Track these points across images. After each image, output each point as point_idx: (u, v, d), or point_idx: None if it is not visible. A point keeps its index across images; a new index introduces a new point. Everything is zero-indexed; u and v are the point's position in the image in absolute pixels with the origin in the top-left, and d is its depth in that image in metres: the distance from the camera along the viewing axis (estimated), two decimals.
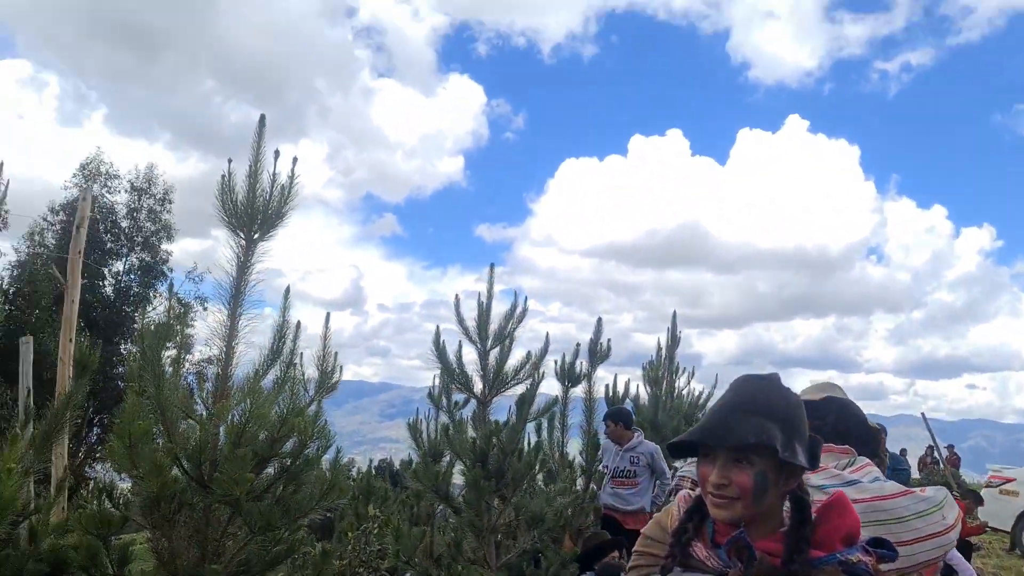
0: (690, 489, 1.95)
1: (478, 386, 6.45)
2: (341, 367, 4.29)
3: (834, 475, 2.56)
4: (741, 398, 1.78)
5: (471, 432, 6.41)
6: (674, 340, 11.57)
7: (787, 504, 1.80)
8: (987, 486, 14.45)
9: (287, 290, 4.46)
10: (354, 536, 5.67)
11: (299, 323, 4.43)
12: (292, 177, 4.00)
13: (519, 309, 6.44)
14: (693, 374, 11.95)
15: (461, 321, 6.39)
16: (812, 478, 2.56)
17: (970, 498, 10.80)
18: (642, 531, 1.97)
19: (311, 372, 4.22)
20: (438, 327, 6.44)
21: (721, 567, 1.76)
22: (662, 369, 11.38)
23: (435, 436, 7.44)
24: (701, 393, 12.23)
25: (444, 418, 7.01)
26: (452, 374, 6.45)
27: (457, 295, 6.40)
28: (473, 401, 6.57)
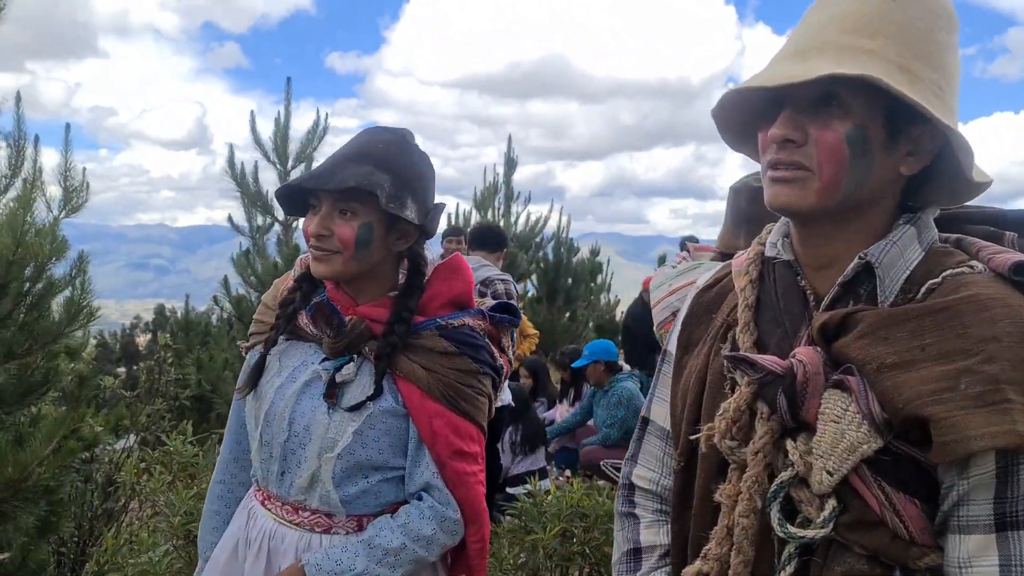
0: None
1: (280, 210, 6.12)
2: (88, 184, 3.88)
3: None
4: (356, 148, 1.61)
5: (277, 258, 6.15)
6: (510, 164, 11.43)
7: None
8: None
9: (18, 96, 3.93)
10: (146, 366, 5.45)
11: (37, 137, 3.95)
12: None
13: (320, 127, 6.05)
14: (530, 198, 11.78)
15: (257, 139, 5.95)
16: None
17: None
18: (262, 298, 1.83)
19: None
20: (231, 146, 5.97)
21: (321, 333, 1.64)
22: (497, 194, 11.25)
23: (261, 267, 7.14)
24: (540, 217, 12.11)
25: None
26: (252, 197, 6.07)
27: (252, 110, 5.92)
28: (278, 227, 6.26)
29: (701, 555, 1.16)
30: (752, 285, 1.21)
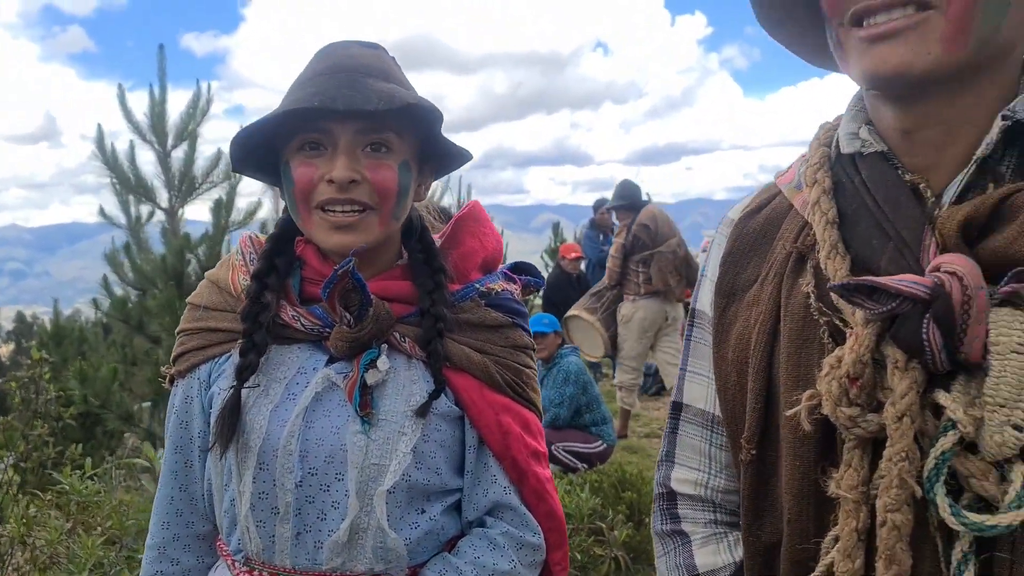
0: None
1: (162, 195, 5.45)
2: None
3: None
4: (352, 61, 1.17)
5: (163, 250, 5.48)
6: None
7: None
8: (702, 251, 16.09)
9: None
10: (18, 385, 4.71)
11: None
12: None
13: (203, 99, 5.39)
14: None
15: (129, 117, 5.24)
16: None
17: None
18: (189, 301, 1.33)
19: None
20: (100, 126, 5.23)
21: (318, 327, 1.19)
22: None
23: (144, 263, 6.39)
24: (430, 193, 11.71)
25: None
26: (127, 183, 5.36)
27: (120, 84, 5.20)
28: (160, 213, 5.57)
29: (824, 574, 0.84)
30: (827, 195, 0.90)
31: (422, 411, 1.17)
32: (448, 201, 11.90)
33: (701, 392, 1.06)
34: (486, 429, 1.23)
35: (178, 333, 1.32)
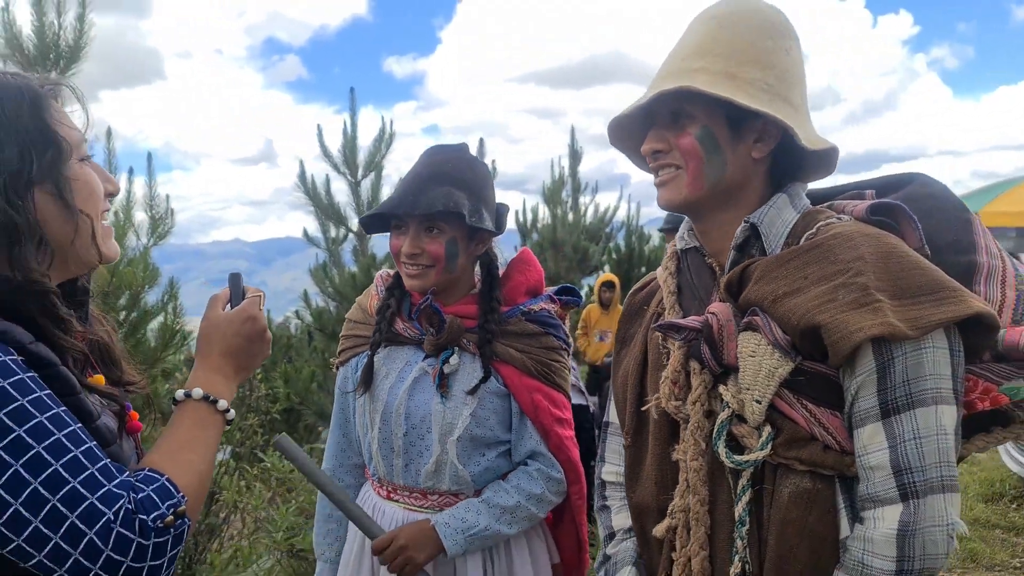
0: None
1: (353, 221, 6.18)
2: (172, 211, 3.95)
3: None
4: (429, 169, 1.77)
5: (354, 268, 6.22)
6: (574, 156, 11.30)
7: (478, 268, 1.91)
8: None
9: (109, 131, 4.01)
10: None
11: (131, 169, 4.04)
12: None
13: (386, 134, 6.08)
14: (597, 188, 11.55)
15: (326, 151, 6.01)
16: None
17: None
18: (347, 316, 2.00)
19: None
20: (301, 161, 6.05)
21: (418, 335, 1.81)
22: (564, 187, 11.11)
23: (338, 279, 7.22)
24: (608, 207, 11.87)
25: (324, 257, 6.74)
26: (325, 210, 6.15)
27: (319, 124, 6.00)
28: (352, 237, 6.32)
29: (668, 513, 1.35)
30: (671, 276, 1.47)
31: (473, 391, 1.75)
32: (622, 215, 12.07)
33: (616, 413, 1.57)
34: (523, 402, 1.79)
35: (341, 337, 1.99)
